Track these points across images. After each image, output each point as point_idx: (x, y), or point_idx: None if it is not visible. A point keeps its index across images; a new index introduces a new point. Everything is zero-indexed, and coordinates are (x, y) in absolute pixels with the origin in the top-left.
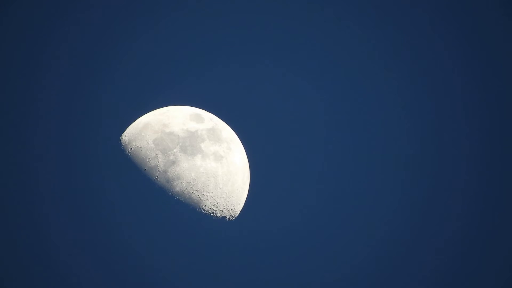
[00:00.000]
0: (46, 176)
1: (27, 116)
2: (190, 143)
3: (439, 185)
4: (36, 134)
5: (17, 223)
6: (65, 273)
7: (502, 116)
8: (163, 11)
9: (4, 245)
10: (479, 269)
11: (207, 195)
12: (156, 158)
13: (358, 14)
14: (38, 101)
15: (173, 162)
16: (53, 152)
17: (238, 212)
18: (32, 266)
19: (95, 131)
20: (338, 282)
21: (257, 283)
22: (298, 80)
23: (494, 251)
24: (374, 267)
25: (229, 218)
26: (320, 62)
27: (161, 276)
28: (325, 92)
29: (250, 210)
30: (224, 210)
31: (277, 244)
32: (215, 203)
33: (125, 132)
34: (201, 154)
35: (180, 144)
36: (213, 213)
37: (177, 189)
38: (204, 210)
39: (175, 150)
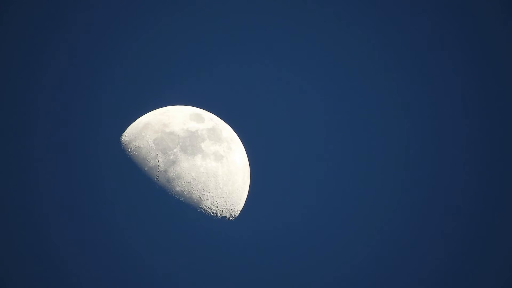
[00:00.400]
0: (46, 176)
1: (27, 116)
2: (191, 143)
3: (439, 185)
4: (36, 134)
5: (17, 223)
6: (65, 273)
7: (502, 116)
8: (163, 11)
9: (4, 245)
10: (479, 269)
11: (207, 195)
12: (157, 158)
13: (358, 14)
14: (38, 101)
15: (174, 162)
16: (53, 152)
17: (239, 212)
18: (32, 266)
19: (95, 131)
20: (338, 282)
21: (257, 283)
22: (298, 80)
23: (494, 251)
24: (374, 267)
25: (229, 218)
26: (320, 62)
27: (161, 276)
28: (325, 92)
29: (251, 210)
30: (224, 210)
31: (277, 244)
32: (216, 202)
33: (125, 132)
34: (201, 153)
35: (181, 143)
36: (213, 213)
37: (178, 189)
38: (204, 210)
39: (175, 150)
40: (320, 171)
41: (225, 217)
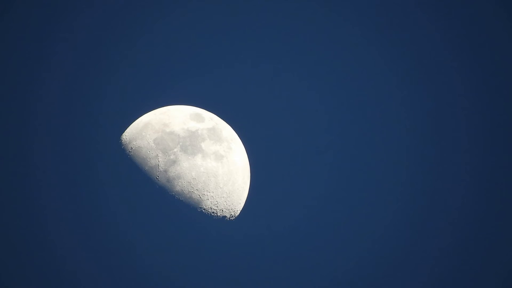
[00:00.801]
0: (47, 176)
1: (28, 116)
2: (191, 143)
3: (439, 185)
4: (36, 134)
5: (17, 223)
6: (65, 272)
7: (502, 116)
8: (163, 11)
9: (4, 245)
10: (479, 269)
11: (207, 195)
12: (157, 158)
13: (358, 15)
14: (39, 101)
15: (174, 162)
16: (53, 152)
17: (239, 212)
18: (32, 266)
19: (95, 130)
20: (338, 282)
21: (257, 282)
22: (298, 80)
23: (494, 251)
24: (374, 267)
25: (229, 218)
26: (320, 62)
27: (161, 275)
28: (326, 92)
29: (251, 209)
30: (224, 210)
31: (277, 244)
32: (216, 202)
33: (125, 131)
34: (201, 153)
35: (181, 143)
36: (213, 212)
37: (178, 188)
38: (204, 209)
39: (175, 150)
40: (320, 170)
41: (225, 216)
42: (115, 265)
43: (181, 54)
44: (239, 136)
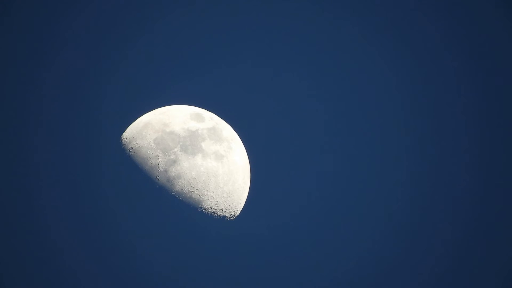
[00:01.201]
0: (47, 176)
1: (28, 116)
2: (191, 142)
3: (439, 185)
4: (37, 134)
5: (17, 222)
6: (65, 272)
7: (502, 116)
8: (163, 11)
9: (4, 245)
10: (479, 269)
11: (207, 195)
12: (157, 158)
13: (358, 15)
14: (39, 101)
15: (174, 162)
16: (54, 152)
17: (239, 212)
18: (32, 266)
19: (95, 130)
20: (338, 282)
21: (257, 282)
22: (298, 80)
23: (494, 251)
24: (374, 267)
25: (229, 218)
26: (320, 62)
27: (161, 275)
28: (325, 92)
29: (251, 209)
30: (224, 210)
31: (277, 244)
32: (216, 202)
33: (125, 131)
34: (201, 153)
35: (181, 143)
36: (213, 212)
37: (178, 188)
38: (204, 209)
39: (175, 150)
40: (320, 170)
41: (225, 216)
42: (115, 265)
43: (181, 54)
44: (239, 136)
